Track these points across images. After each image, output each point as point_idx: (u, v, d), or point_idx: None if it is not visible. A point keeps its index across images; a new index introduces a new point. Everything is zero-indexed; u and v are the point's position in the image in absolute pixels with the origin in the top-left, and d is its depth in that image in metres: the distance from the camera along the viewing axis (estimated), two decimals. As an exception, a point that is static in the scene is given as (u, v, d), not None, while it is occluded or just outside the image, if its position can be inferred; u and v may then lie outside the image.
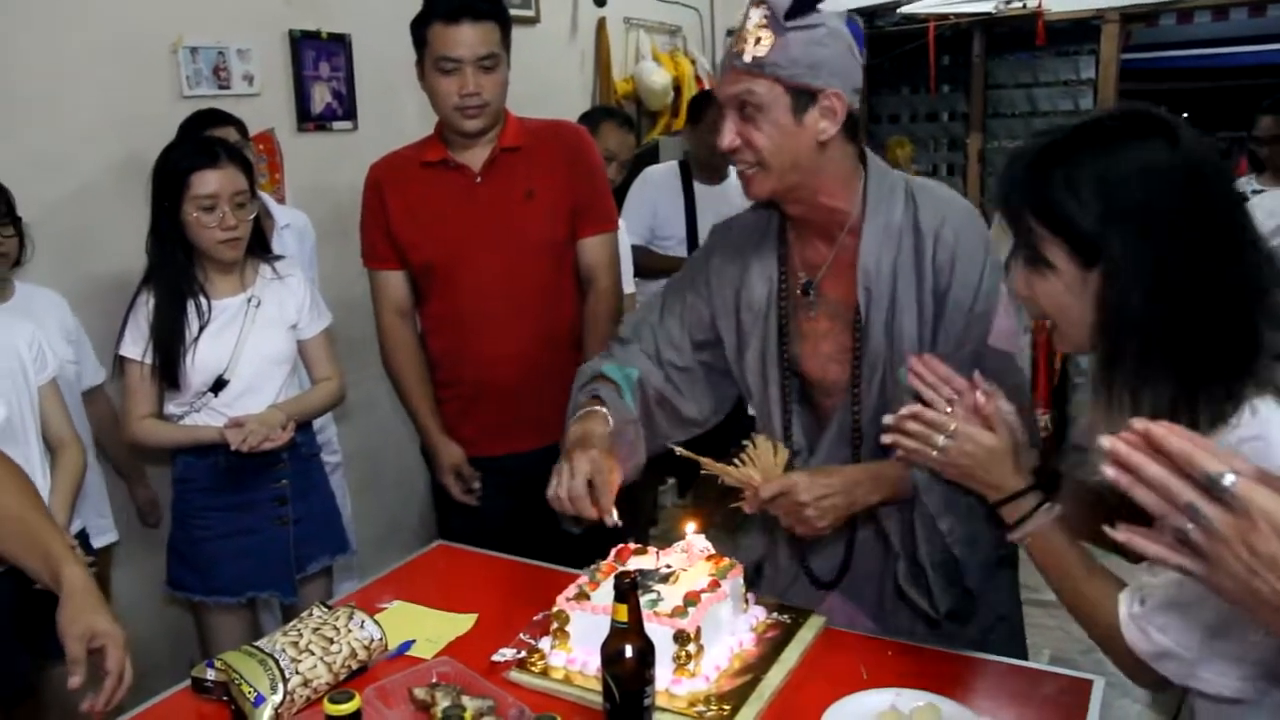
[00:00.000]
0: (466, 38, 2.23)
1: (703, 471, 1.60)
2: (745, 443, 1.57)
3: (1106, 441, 0.86)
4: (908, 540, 1.57)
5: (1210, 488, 0.81)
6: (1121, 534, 0.88)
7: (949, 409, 1.36)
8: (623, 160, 3.41)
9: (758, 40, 1.51)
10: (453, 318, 2.39)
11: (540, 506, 2.45)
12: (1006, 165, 1.21)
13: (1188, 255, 1.07)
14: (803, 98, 1.52)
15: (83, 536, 2.24)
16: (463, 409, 2.45)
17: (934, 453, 1.34)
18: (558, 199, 2.36)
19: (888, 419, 1.39)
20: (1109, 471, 0.86)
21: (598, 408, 1.72)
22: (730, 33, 5.33)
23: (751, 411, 1.83)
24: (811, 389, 1.73)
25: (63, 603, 1.44)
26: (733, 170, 4.04)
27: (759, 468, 1.55)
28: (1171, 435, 0.83)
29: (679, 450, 1.67)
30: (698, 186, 3.74)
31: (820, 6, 1.52)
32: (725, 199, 3.80)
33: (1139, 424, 0.85)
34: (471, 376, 2.41)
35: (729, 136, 1.58)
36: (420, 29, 2.29)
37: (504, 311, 2.35)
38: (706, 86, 4.84)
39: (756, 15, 1.52)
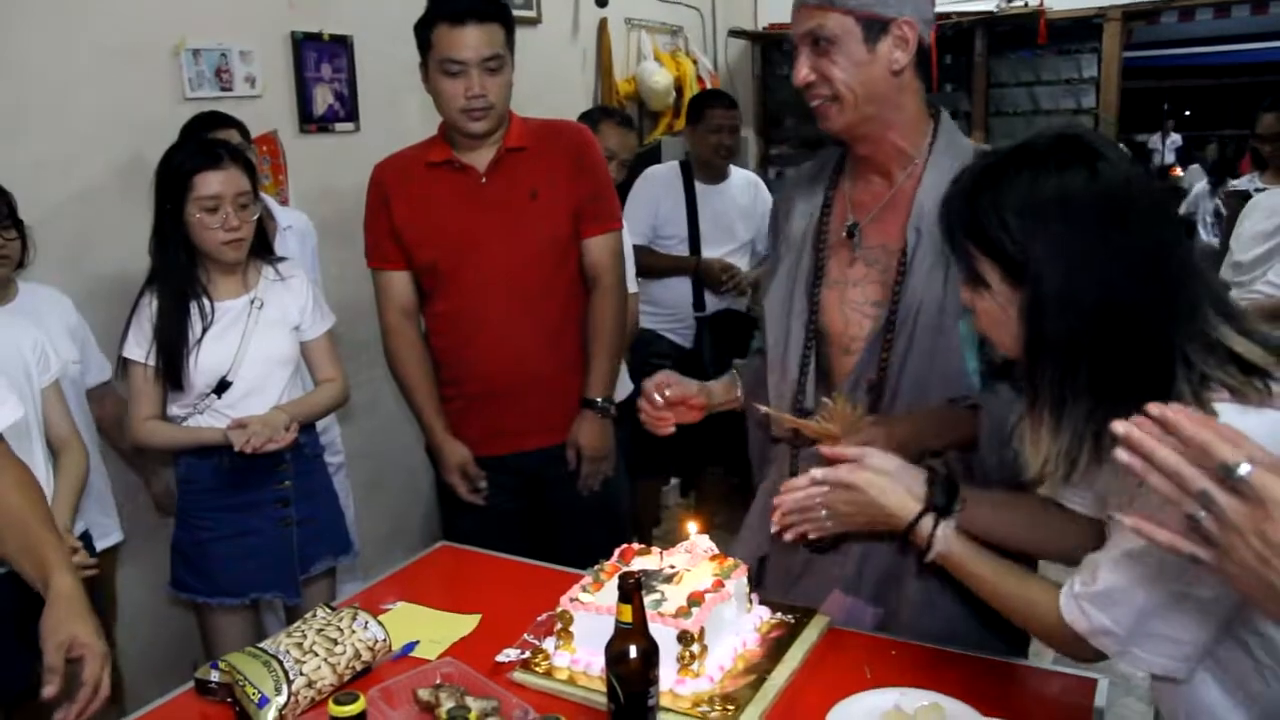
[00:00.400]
0: (471, 39, 2.23)
1: (785, 425, 1.66)
2: (825, 400, 1.59)
3: (1120, 427, 0.86)
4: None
5: (1226, 476, 0.81)
6: (1130, 520, 0.88)
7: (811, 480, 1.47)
8: (623, 159, 3.42)
9: None
10: (457, 317, 2.40)
11: (546, 505, 2.49)
12: (948, 194, 1.24)
13: (1101, 281, 1.09)
14: (874, 27, 1.54)
15: (86, 538, 2.24)
16: (467, 408, 2.45)
17: (827, 524, 1.47)
18: (562, 198, 2.37)
19: (775, 517, 1.51)
20: (1122, 455, 0.86)
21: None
22: (735, 33, 5.34)
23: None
24: (823, 343, 1.71)
25: (47, 609, 1.44)
26: (733, 170, 4.04)
27: (838, 423, 1.56)
28: (1188, 421, 0.83)
29: (764, 409, 1.69)
30: (699, 186, 3.75)
31: None
32: (726, 198, 3.81)
33: (1155, 408, 0.85)
34: (476, 376, 2.41)
35: (803, 72, 1.59)
36: (424, 31, 2.29)
37: (508, 311, 2.35)
38: (708, 86, 4.84)
39: None
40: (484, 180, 2.35)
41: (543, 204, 2.36)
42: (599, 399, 2.45)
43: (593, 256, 2.44)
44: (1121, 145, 1.21)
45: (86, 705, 1.39)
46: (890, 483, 1.41)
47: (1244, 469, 0.80)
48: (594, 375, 2.44)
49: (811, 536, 1.51)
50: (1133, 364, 1.09)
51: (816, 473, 1.46)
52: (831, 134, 1.66)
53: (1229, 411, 1.02)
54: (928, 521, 1.38)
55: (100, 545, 2.41)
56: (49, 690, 1.37)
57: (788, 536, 1.51)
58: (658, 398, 1.75)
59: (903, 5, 1.55)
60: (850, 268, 1.68)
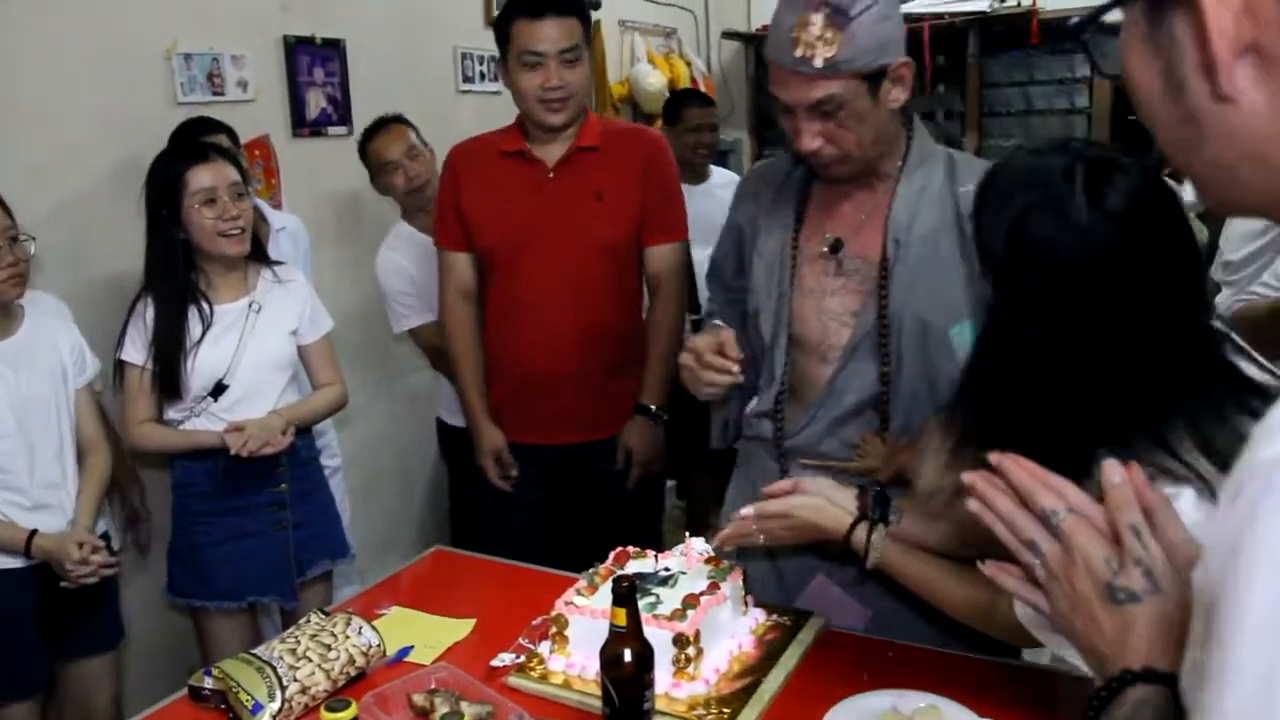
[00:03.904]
0: (550, 32, 2.27)
1: (834, 470, 1.65)
2: (861, 438, 1.65)
3: (966, 476, 0.88)
4: None
5: (1046, 522, 0.82)
6: (988, 569, 0.90)
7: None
8: None
9: (825, 41, 1.48)
10: (509, 306, 2.45)
11: (572, 499, 2.51)
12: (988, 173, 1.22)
13: (1048, 357, 1.08)
14: (877, 78, 1.53)
15: (105, 538, 2.27)
16: (507, 395, 2.50)
17: (760, 539, 1.52)
18: (627, 203, 2.40)
19: (717, 543, 1.58)
20: (971, 505, 0.87)
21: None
22: (728, 34, 5.33)
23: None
24: (798, 351, 1.71)
25: None
26: (714, 170, 4.01)
27: (874, 458, 1.63)
28: (1016, 469, 0.84)
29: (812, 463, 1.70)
30: (683, 187, 3.74)
31: None
32: (708, 198, 3.80)
33: (993, 457, 0.86)
34: (519, 365, 2.46)
35: (810, 141, 1.55)
36: (503, 26, 2.34)
37: (559, 306, 2.39)
38: (701, 88, 4.84)
39: (819, 19, 1.47)
40: (551, 175, 2.39)
41: (607, 206, 2.39)
42: (653, 405, 2.49)
43: (654, 265, 2.48)
44: (1160, 171, 1.14)
45: None
46: (822, 503, 1.47)
47: (1060, 515, 0.81)
48: (649, 381, 2.48)
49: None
50: (1054, 447, 1.00)
51: (747, 511, 1.51)
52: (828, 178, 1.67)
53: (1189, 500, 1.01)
54: (861, 531, 1.44)
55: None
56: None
57: (726, 549, 1.61)
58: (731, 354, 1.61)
59: (897, 46, 1.53)
60: (828, 277, 1.68)
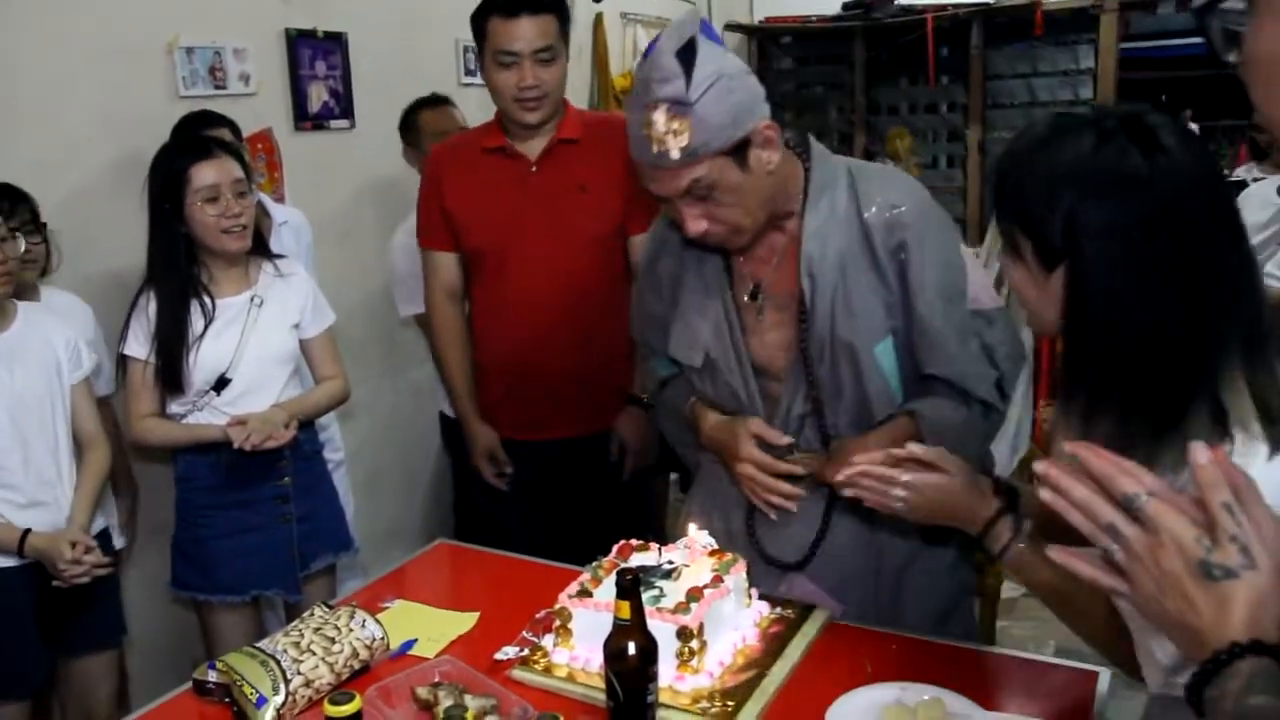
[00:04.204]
0: (524, 31, 2.26)
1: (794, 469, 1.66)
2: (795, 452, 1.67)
3: (1040, 466, 0.89)
4: None
5: (1127, 507, 0.83)
6: (1058, 556, 0.90)
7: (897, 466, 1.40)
8: None
9: (674, 133, 1.46)
10: (500, 303, 2.44)
11: (568, 493, 2.51)
12: (1001, 154, 1.20)
13: (1143, 278, 1.04)
14: (740, 149, 1.50)
15: (104, 535, 2.26)
16: (501, 393, 2.50)
17: (896, 504, 1.39)
18: (611, 194, 2.39)
19: (840, 476, 1.43)
20: (1044, 495, 0.88)
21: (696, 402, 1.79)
22: (731, 27, 5.32)
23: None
24: (761, 375, 1.72)
25: None
26: None
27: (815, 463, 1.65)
28: (1094, 457, 0.86)
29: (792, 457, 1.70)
30: None
31: (698, 48, 1.45)
32: None
33: (1069, 446, 0.87)
34: (513, 362, 2.45)
35: (695, 225, 1.55)
36: (479, 22, 2.33)
37: (550, 301, 2.39)
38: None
39: (661, 114, 1.46)
40: (534, 169, 2.38)
41: (591, 198, 2.38)
42: (644, 395, 2.48)
43: (638, 254, 2.46)
44: (1192, 126, 1.13)
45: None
46: (971, 486, 1.37)
47: (1141, 499, 0.82)
48: (638, 371, 2.48)
49: (866, 504, 1.45)
50: (1159, 385, 1.04)
51: (915, 448, 1.39)
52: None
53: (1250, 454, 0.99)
54: (1005, 526, 1.33)
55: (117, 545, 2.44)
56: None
57: (846, 492, 1.45)
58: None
59: (751, 113, 1.50)
60: (760, 315, 1.69)
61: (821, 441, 1.67)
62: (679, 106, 1.45)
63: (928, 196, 1.65)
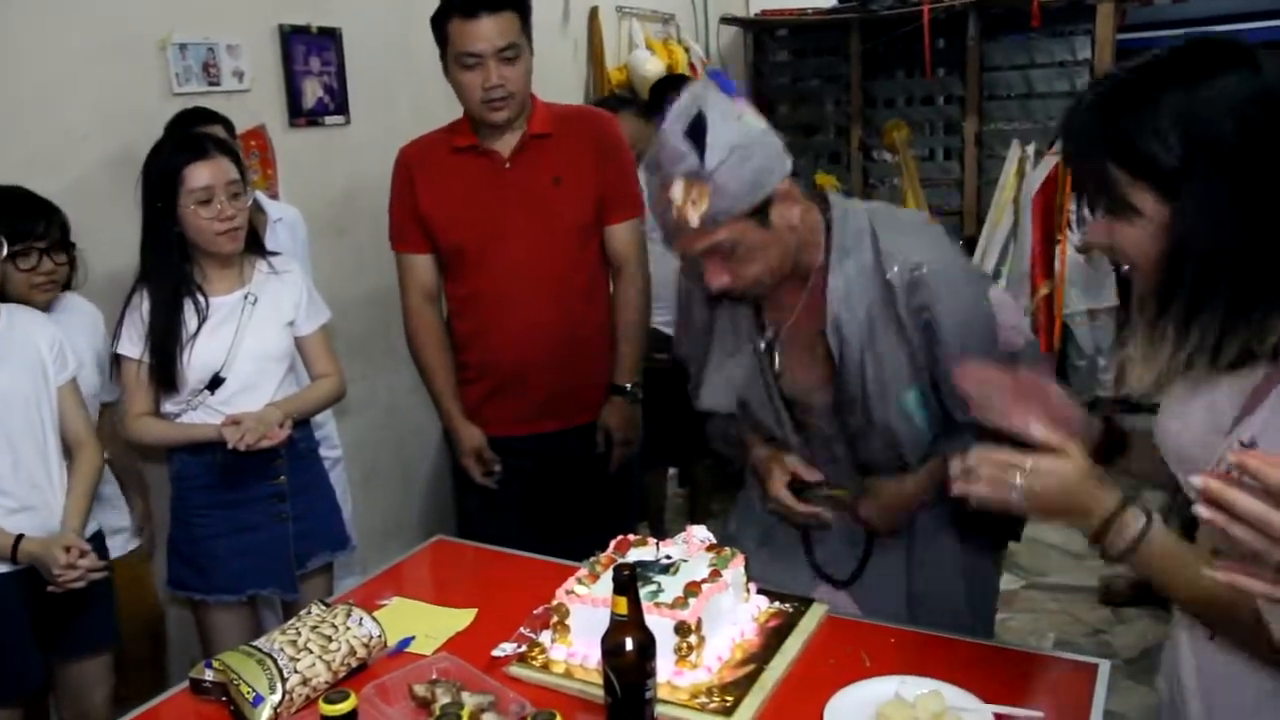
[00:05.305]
0: (485, 31, 2.25)
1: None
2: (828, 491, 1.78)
3: (1198, 480, 0.81)
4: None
5: None
6: (1223, 575, 0.82)
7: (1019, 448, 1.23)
8: (639, 150, 3.40)
9: (693, 202, 1.50)
10: (480, 300, 2.43)
11: (556, 487, 2.51)
12: (1072, 118, 1.15)
13: (1265, 186, 1.03)
14: (761, 210, 1.54)
15: (98, 539, 2.23)
16: (487, 391, 2.49)
17: (1011, 493, 1.20)
18: (585, 185, 2.39)
19: (955, 467, 1.24)
20: (1203, 511, 0.81)
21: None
22: (726, 20, 5.31)
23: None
24: (793, 406, 1.79)
25: None
26: None
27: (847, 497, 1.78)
28: (1270, 468, 0.78)
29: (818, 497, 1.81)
30: None
31: (708, 120, 1.49)
32: None
33: (1235, 457, 0.80)
34: (497, 359, 2.44)
35: (717, 280, 1.60)
36: (440, 25, 2.31)
37: (531, 295, 2.38)
38: (699, 73, 4.81)
39: (679, 186, 1.51)
40: (508, 166, 2.38)
41: (566, 190, 2.38)
42: (628, 385, 2.50)
43: (615, 244, 2.48)
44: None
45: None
46: (1091, 475, 1.20)
47: None
48: (621, 361, 2.50)
49: (974, 501, 1.25)
50: (1275, 276, 1.03)
51: (1038, 430, 1.23)
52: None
53: None
54: (1134, 518, 1.15)
55: (124, 550, 2.44)
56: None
57: (955, 488, 1.26)
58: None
59: (771, 174, 1.54)
60: (788, 355, 1.75)
61: (855, 468, 1.75)
62: (697, 177, 1.49)
63: (949, 247, 1.71)
